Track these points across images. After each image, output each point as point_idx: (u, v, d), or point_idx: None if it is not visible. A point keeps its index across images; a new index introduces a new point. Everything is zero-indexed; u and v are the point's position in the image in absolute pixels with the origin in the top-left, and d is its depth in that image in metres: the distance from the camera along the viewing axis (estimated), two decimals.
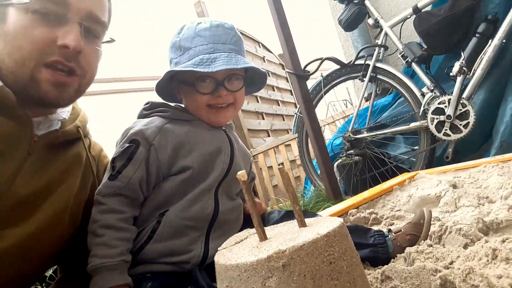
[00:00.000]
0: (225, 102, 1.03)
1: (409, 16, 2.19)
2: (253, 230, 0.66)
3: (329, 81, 2.55)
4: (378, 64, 2.30)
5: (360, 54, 2.39)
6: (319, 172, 2.50)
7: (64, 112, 0.95)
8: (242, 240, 0.61)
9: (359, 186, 2.41)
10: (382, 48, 2.31)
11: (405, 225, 1.11)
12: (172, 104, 1.10)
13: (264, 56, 5.12)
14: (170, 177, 0.96)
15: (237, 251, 0.55)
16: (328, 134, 3.20)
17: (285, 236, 0.54)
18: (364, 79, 2.35)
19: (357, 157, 2.45)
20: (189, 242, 0.93)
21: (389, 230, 1.08)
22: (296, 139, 2.83)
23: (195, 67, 0.94)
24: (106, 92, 6.56)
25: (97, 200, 0.91)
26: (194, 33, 1.00)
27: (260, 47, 5.10)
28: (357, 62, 2.39)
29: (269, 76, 5.10)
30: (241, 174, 0.56)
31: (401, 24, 2.26)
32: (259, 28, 5.07)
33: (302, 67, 2.38)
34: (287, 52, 2.34)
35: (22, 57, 0.78)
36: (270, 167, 3.76)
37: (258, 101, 4.51)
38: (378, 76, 2.32)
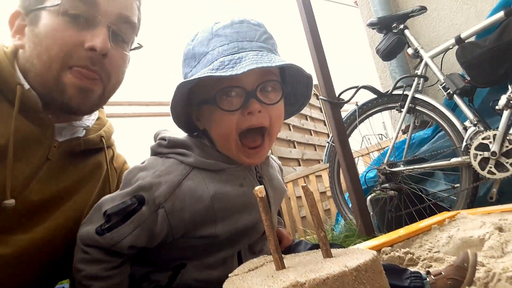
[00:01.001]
0: (259, 124, 0.76)
1: (451, 47, 2.10)
2: (271, 257, 0.58)
3: (365, 111, 2.46)
4: (417, 95, 2.19)
5: (398, 84, 2.30)
6: (350, 205, 2.37)
7: (89, 120, 0.94)
8: (257, 268, 0.54)
9: (393, 223, 2.25)
10: (422, 79, 2.21)
11: (446, 268, 0.98)
12: (195, 140, 0.83)
13: None
14: (188, 237, 0.77)
15: (249, 280, 0.48)
16: (362, 167, 3.07)
17: (306, 267, 0.46)
18: (402, 110, 2.24)
19: (392, 192, 2.31)
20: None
21: (428, 272, 0.96)
22: (328, 169, 2.72)
23: (214, 72, 0.70)
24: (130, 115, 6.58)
25: (79, 246, 0.75)
26: (211, 34, 0.77)
27: None
28: (395, 92, 2.30)
29: None
30: (259, 190, 0.49)
31: (442, 54, 2.17)
32: (292, 54, 5.09)
33: (337, 95, 2.32)
34: (321, 78, 2.29)
35: (50, 59, 0.78)
36: (299, 197, 3.64)
37: (290, 129, 4.45)
38: (417, 108, 2.21)
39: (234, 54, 0.73)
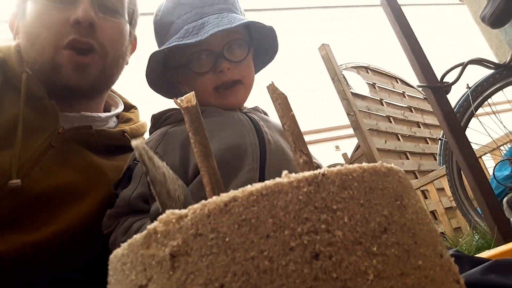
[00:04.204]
0: (230, 79, 0.82)
1: None
2: None
3: (480, 92, 1.99)
4: None
5: None
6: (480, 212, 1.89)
7: (105, 113, 0.90)
8: None
9: None
10: None
11: None
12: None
13: (404, 92, 4.61)
14: (191, 183, 0.74)
15: None
16: (491, 163, 2.48)
17: None
18: None
19: None
20: None
21: None
22: (446, 170, 2.26)
23: (180, 40, 0.76)
24: None
25: (106, 235, 0.76)
26: (174, 3, 0.83)
27: (397, 82, 4.64)
28: None
29: (411, 112, 4.53)
30: (186, 99, 0.30)
31: None
32: (394, 64, 4.66)
33: (439, 79, 1.93)
34: (415, 62, 1.94)
35: (41, 44, 0.79)
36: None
37: (399, 139, 3.97)
38: None
39: (197, 20, 0.80)
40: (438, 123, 4.40)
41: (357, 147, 4.88)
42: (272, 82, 0.31)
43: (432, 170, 4.00)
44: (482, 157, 2.54)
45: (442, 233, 3.14)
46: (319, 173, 0.23)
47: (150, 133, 0.89)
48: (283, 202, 0.20)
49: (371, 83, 4.22)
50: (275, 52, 0.95)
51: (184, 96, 0.33)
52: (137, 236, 0.22)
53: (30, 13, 0.81)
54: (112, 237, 0.73)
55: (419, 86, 1.98)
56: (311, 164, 0.28)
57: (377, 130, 3.69)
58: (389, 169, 0.27)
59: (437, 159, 2.34)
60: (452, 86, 1.93)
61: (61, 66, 0.79)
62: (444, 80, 1.94)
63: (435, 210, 3.13)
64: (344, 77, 3.76)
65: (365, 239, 0.21)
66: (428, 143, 4.36)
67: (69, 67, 0.80)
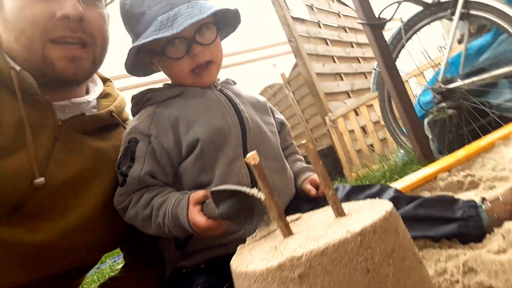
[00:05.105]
0: (204, 61, 0.90)
1: None
2: (291, 217, 0.54)
3: (411, 27, 2.21)
4: None
5: None
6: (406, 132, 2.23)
7: (91, 95, 0.93)
8: (269, 233, 0.51)
9: (455, 143, 2.09)
10: None
11: (504, 192, 0.88)
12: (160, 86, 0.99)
13: (339, 11, 4.73)
14: (185, 160, 0.87)
15: (256, 251, 0.45)
16: (419, 89, 2.83)
17: (312, 232, 0.42)
18: (453, 17, 1.97)
19: (451, 111, 2.12)
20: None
21: (483, 199, 0.87)
22: (378, 97, 2.56)
23: (157, 34, 0.82)
24: None
25: (120, 210, 0.86)
26: None
27: (334, 1, 4.73)
28: None
29: (346, 32, 4.73)
30: (251, 157, 0.44)
31: None
32: None
33: (377, 16, 2.10)
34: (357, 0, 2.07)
35: (28, 39, 0.78)
36: (352, 131, 3.50)
37: (334, 61, 4.20)
38: (471, 12, 1.93)
39: (168, 11, 0.85)
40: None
41: (295, 66, 5.07)
42: (307, 141, 0.45)
43: (363, 89, 4.38)
44: (408, 80, 2.88)
45: (371, 145, 3.61)
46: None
47: (132, 112, 0.96)
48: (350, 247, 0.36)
49: (309, 4, 4.26)
50: (237, 25, 1.04)
51: (249, 155, 0.45)
52: (274, 263, 0.37)
53: (10, 7, 0.77)
54: (131, 212, 0.84)
55: (359, 23, 2.14)
56: (336, 195, 0.44)
57: (316, 54, 3.87)
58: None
59: (371, 86, 2.62)
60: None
61: (54, 60, 0.79)
62: (381, 17, 2.11)
63: (365, 125, 3.53)
64: (284, 1, 3.77)
65: None
66: (360, 62, 4.67)
67: (62, 60, 0.80)
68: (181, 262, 0.89)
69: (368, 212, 0.41)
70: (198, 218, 0.74)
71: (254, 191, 0.47)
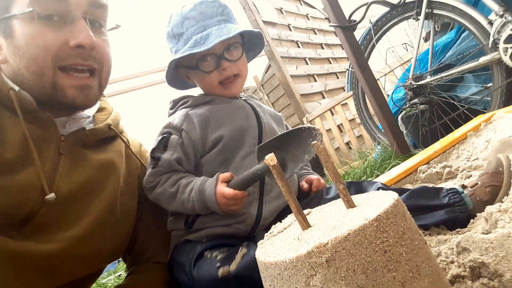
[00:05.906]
0: (231, 74, 1.07)
1: None
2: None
3: (380, 27, 2.32)
4: None
5: None
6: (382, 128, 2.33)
7: (91, 110, 0.96)
8: (285, 228, 0.55)
9: (429, 137, 2.21)
10: None
11: (481, 177, 0.97)
12: (195, 95, 1.15)
13: (308, 14, 4.85)
14: (208, 153, 1.02)
15: (278, 244, 0.49)
16: (390, 86, 2.95)
17: (329, 223, 0.46)
18: (419, 17, 2.09)
19: (423, 106, 2.23)
20: (242, 207, 0.96)
21: (463, 186, 0.95)
22: (352, 96, 2.65)
23: (192, 50, 1.00)
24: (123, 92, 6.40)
25: (148, 188, 0.99)
26: (182, 17, 1.05)
27: (301, 4, 4.84)
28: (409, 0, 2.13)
29: (315, 34, 4.85)
30: (270, 158, 0.49)
31: None
32: None
33: (347, 18, 2.19)
34: (327, 3, 2.16)
35: (39, 67, 0.79)
36: (329, 130, 3.61)
37: (307, 63, 4.31)
38: (434, 12, 2.05)
39: (202, 32, 1.02)
40: (339, 43, 4.79)
41: (267, 69, 5.15)
42: (317, 143, 0.50)
43: (336, 89, 4.51)
44: (380, 79, 3.00)
45: (347, 143, 3.72)
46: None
47: (169, 114, 1.13)
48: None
49: (278, 8, 4.36)
50: (262, 47, 1.22)
51: (268, 157, 0.50)
52: (303, 251, 0.41)
53: (21, 34, 0.78)
54: (158, 190, 0.97)
55: (331, 26, 2.22)
56: (346, 189, 0.49)
57: (289, 57, 3.96)
58: None
59: (345, 86, 2.71)
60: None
61: (64, 88, 0.81)
62: (351, 18, 2.20)
63: (341, 124, 3.64)
64: (255, 5, 3.84)
65: None
66: (331, 63, 4.80)
67: (72, 89, 0.82)
68: (186, 236, 1.00)
69: (377, 202, 0.47)
70: (225, 189, 0.90)
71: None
